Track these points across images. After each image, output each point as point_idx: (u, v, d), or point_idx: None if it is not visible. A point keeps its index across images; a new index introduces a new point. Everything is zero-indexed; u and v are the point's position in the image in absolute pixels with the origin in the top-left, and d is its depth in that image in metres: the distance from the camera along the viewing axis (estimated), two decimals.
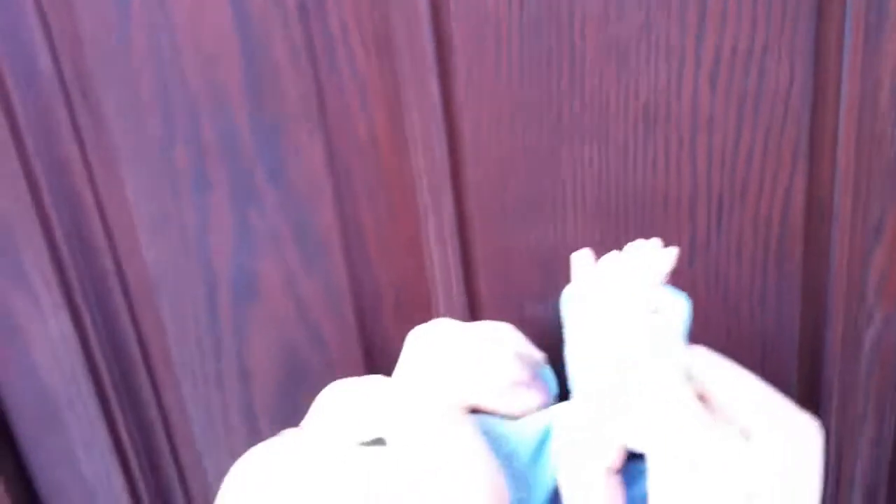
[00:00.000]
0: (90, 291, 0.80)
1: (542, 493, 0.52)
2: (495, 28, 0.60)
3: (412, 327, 0.74)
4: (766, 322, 0.64)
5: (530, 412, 0.56)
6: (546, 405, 0.56)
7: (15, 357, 0.85)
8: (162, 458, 0.88)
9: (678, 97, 0.59)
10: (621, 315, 0.53)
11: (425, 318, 0.74)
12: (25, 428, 0.90)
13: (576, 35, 0.59)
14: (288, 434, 0.53)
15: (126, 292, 0.80)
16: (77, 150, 0.74)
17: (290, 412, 0.80)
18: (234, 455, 0.83)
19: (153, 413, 0.86)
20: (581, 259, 0.59)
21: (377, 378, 0.59)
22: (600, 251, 0.65)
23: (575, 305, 0.56)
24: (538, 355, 0.58)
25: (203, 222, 0.73)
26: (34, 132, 0.74)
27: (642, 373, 0.48)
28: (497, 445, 0.52)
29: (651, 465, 0.45)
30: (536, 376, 0.58)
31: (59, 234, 0.77)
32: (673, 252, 0.56)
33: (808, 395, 0.67)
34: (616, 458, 0.48)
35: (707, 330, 0.65)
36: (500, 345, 0.57)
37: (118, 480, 0.89)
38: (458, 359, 0.56)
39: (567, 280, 0.66)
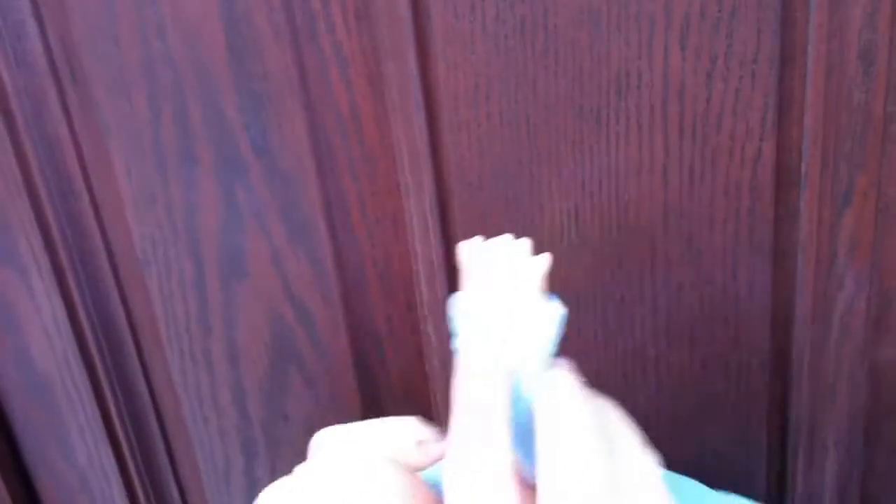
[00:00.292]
0: (81, 272, 0.81)
1: None
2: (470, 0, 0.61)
3: (396, 302, 0.75)
4: (739, 289, 0.65)
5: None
6: None
7: (8, 341, 0.86)
8: (152, 439, 0.89)
9: (649, 65, 0.60)
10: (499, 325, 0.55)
11: (408, 292, 0.75)
12: (19, 411, 0.91)
13: (549, 3, 0.60)
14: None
15: (116, 272, 0.81)
16: (66, 129, 0.75)
17: (278, 389, 0.81)
18: (224, 433, 0.84)
19: (144, 395, 0.87)
20: (466, 252, 0.60)
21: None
22: (575, 222, 0.66)
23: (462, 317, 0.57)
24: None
25: (190, 199, 0.74)
26: (24, 112, 0.75)
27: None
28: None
29: None
30: None
31: (49, 214, 0.79)
32: (545, 259, 0.57)
33: (780, 362, 0.68)
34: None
35: (680, 298, 0.66)
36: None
37: (109, 462, 0.90)
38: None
39: (543, 251, 0.67)
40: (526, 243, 0.58)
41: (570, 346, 0.69)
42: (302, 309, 0.77)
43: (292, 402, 0.79)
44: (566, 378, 0.52)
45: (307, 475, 0.56)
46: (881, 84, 0.58)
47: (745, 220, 0.63)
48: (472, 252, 0.58)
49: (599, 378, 0.70)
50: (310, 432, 0.65)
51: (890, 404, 0.69)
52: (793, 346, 0.66)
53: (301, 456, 0.63)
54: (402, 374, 0.76)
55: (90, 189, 0.78)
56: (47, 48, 0.73)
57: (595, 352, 0.70)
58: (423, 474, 0.56)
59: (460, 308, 0.57)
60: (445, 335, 0.71)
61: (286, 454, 0.82)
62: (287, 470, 0.58)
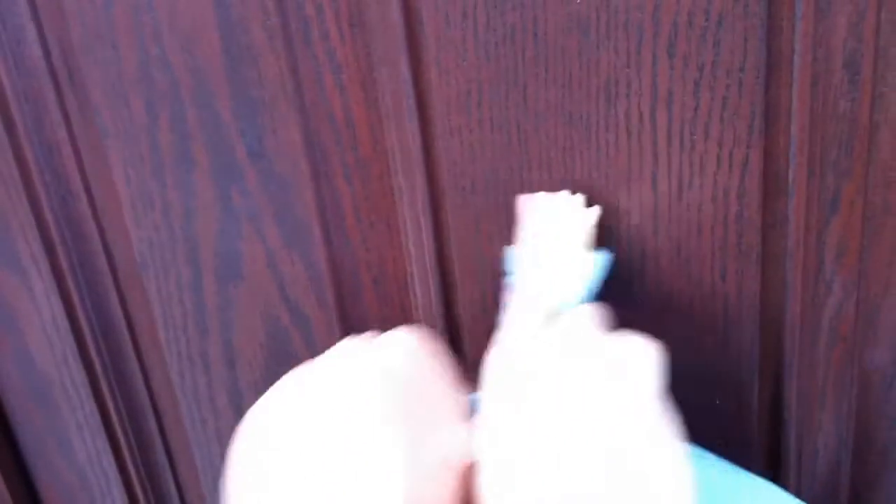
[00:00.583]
0: (80, 274, 0.82)
1: None
2: (462, 7, 0.62)
3: (390, 305, 0.76)
4: (728, 294, 0.65)
5: None
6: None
7: (7, 341, 0.87)
8: (151, 439, 0.90)
9: (637, 72, 0.60)
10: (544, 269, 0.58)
11: (403, 295, 0.75)
12: (18, 411, 0.92)
13: (538, 11, 0.61)
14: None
15: (114, 274, 0.82)
16: (65, 132, 0.76)
17: None
18: (221, 435, 0.85)
19: (142, 395, 0.87)
20: (523, 205, 0.62)
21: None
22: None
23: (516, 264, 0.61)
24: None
25: (187, 203, 0.75)
26: (24, 116, 0.76)
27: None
28: None
29: None
30: None
31: (49, 216, 0.79)
32: (593, 213, 0.62)
33: (770, 366, 0.68)
34: None
35: (670, 303, 0.67)
36: None
37: (109, 461, 0.91)
38: None
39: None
40: (579, 198, 0.62)
41: None
42: (297, 311, 0.78)
43: None
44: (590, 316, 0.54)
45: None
46: (866, 93, 0.59)
47: (733, 227, 0.63)
48: (528, 205, 0.62)
49: None
50: None
51: (879, 407, 0.69)
52: (783, 350, 0.67)
53: None
54: None
55: (89, 192, 0.78)
56: (46, 53, 0.73)
57: None
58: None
59: (513, 257, 0.61)
60: (439, 336, 0.72)
61: None
62: None
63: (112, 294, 0.83)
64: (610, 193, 0.65)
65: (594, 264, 0.60)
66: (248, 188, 0.73)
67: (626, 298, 0.68)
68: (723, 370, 0.68)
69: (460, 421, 0.53)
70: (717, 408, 0.70)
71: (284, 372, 0.80)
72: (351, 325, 0.77)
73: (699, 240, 0.64)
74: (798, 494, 0.64)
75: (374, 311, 0.77)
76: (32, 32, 0.73)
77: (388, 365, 0.52)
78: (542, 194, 0.63)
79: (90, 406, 0.89)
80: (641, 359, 0.51)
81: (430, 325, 0.74)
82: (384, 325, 0.77)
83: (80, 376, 0.87)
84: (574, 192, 0.66)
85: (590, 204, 0.65)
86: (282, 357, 0.80)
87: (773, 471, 0.72)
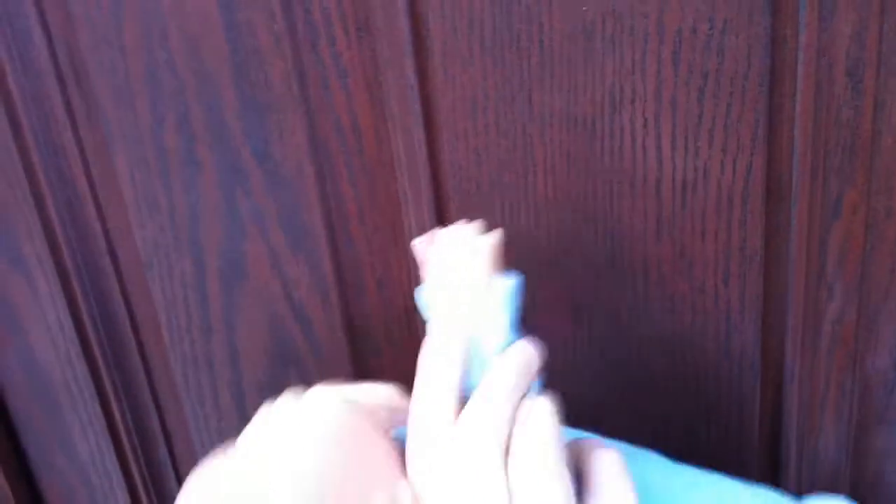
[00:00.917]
0: (84, 275, 0.82)
1: None
2: (468, 12, 0.62)
3: (394, 309, 0.76)
4: (731, 300, 0.66)
5: None
6: None
7: (12, 341, 0.87)
8: (154, 438, 0.90)
9: (642, 79, 0.61)
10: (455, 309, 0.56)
11: (406, 297, 0.76)
12: (22, 410, 0.92)
13: (544, 18, 0.61)
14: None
15: (119, 275, 0.82)
16: (71, 134, 0.76)
17: (278, 391, 0.82)
18: (225, 435, 0.85)
19: (146, 395, 0.88)
20: (419, 247, 0.61)
21: None
22: (570, 232, 0.67)
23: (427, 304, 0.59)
24: None
25: (193, 204, 0.75)
26: (31, 118, 0.76)
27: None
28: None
29: None
30: None
31: (54, 218, 0.80)
32: (491, 238, 0.58)
33: (772, 370, 0.69)
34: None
35: (673, 308, 0.67)
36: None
37: (111, 460, 0.91)
38: None
39: (539, 260, 0.69)
40: (472, 227, 0.60)
41: (562, 355, 0.71)
42: (301, 313, 0.78)
43: None
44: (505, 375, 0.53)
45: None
46: (869, 101, 0.59)
47: (736, 232, 0.64)
48: (423, 246, 0.60)
49: (591, 386, 0.71)
50: None
51: (880, 412, 0.70)
52: (784, 354, 0.67)
53: None
54: (399, 378, 0.77)
55: (94, 193, 0.79)
56: (53, 55, 0.74)
57: (587, 360, 0.71)
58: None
59: (421, 299, 0.59)
60: None
61: None
62: None
63: (116, 294, 0.84)
64: (613, 199, 0.65)
65: (506, 292, 0.57)
66: (254, 191, 0.74)
67: (627, 302, 0.69)
68: (724, 374, 0.69)
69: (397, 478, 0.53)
70: (717, 411, 0.70)
71: (287, 372, 0.81)
72: (354, 326, 0.78)
73: (702, 245, 0.64)
74: (798, 499, 0.65)
75: (378, 314, 0.77)
76: (39, 35, 0.73)
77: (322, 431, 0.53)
78: (439, 231, 0.62)
79: (93, 406, 0.89)
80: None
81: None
82: (387, 327, 0.78)
83: (83, 376, 0.88)
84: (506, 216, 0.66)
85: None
86: (285, 358, 0.81)
87: (773, 475, 0.72)
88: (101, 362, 0.87)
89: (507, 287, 0.57)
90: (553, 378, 0.72)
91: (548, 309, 0.71)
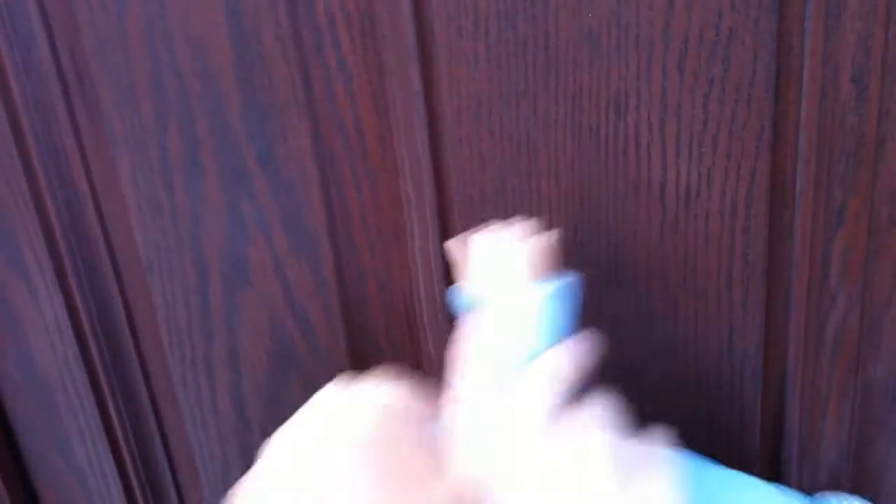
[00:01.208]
0: (84, 277, 0.82)
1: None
2: (473, 18, 0.62)
3: (395, 312, 0.76)
4: (734, 305, 0.66)
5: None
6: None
7: (10, 342, 0.87)
8: (152, 442, 0.90)
9: (648, 85, 0.61)
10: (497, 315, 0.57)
11: (408, 302, 0.76)
12: (19, 412, 0.92)
13: (550, 23, 0.61)
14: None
15: (119, 278, 0.82)
16: (73, 137, 0.76)
17: (278, 396, 0.82)
18: (223, 439, 0.85)
19: (144, 398, 0.88)
20: (457, 247, 0.62)
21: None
22: (574, 236, 0.67)
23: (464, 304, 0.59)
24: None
25: (195, 208, 0.75)
26: (32, 120, 0.76)
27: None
28: None
29: None
30: None
31: (54, 220, 0.79)
32: (535, 241, 0.59)
33: (774, 376, 0.69)
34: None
35: (676, 313, 0.67)
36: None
37: (109, 464, 0.91)
38: None
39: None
40: (519, 228, 0.60)
41: None
42: (302, 317, 0.78)
43: (291, 408, 0.80)
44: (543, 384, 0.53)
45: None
46: (873, 108, 0.59)
47: (739, 238, 0.64)
48: (459, 247, 0.60)
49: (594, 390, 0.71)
50: None
51: (880, 418, 0.70)
52: (786, 360, 0.68)
53: None
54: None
55: (95, 196, 0.79)
56: (56, 57, 0.74)
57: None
58: None
59: (458, 298, 0.59)
60: (443, 345, 0.73)
61: None
62: None
63: (115, 297, 0.83)
64: (617, 204, 0.65)
65: (554, 295, 0.57)
66: (257, 194, 0.74)
67: (631, 307, 0.69)
68: (726, 379, 0.69)
69: (434, 478, 0.53)
70: (719, 416, 0.70)
71: (288, 377, 0.80)
72: (355, 330, 0.78)
73: (706, 250, 0.65)
74: (811, 499, 0.65)
75: (379, 318, 0.77)
76: (42, 38, 0.73)
77: (360, 435, 0.53)
78: (491, 228, 0.62)
79: (91, 409, 0.89)
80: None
81: (435, 333, 0.75)
82: (388, 332, 0.78)
83: (81, 379, 0.87)
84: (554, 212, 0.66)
85: (590, 219, 0.66)
86: (286, 362, 0.81)
87: (775, 479, 0.72)
88: (99, 364, 0.87)
89: (549, 290, 0.57)
90: None
91: None
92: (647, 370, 0.70)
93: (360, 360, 0.79)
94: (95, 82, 0.73)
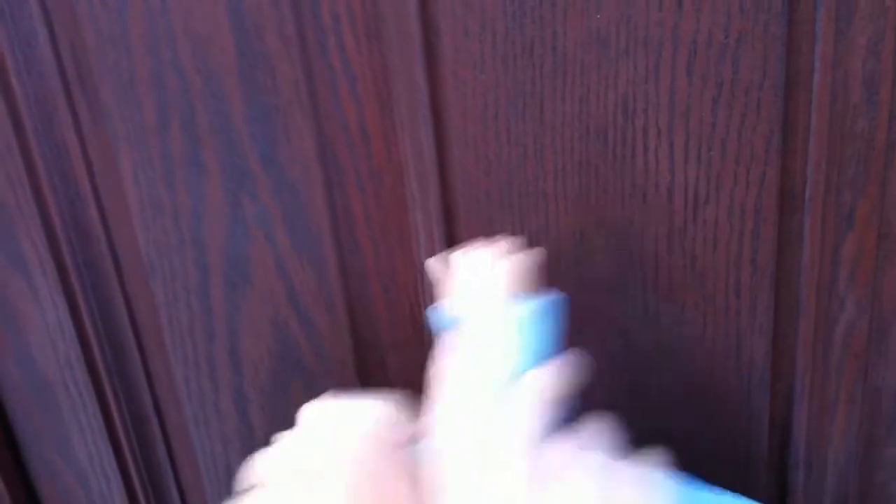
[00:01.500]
0: (86, 276, 0.81)
1: None
2: (480, 19, 0.62)
3: (399, 314, 0.75)
4: (742, 310, 0.66)
5: None
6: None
7: (11, 342, 0.86)
8: (153, 442, 0.89)
9: (656, 88, 0.61)
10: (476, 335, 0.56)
11: (412, 303, 0.75)
12: (20, 412, 0.91)
13: (558, 25, 0.61)
14: None
15: (121, 277, 0.81)
16: (75, 135, 0.76)
17: (280, 396, 0.82)
18: (225, 439, 0.84)
19: (146, 398, 0.87)
20: (436, 265, 0.61)
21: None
22: (580, 240, 0.67)
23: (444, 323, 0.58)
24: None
25: (197, 208, 0.75)
26: (33, 118, 0.75)
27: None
28: None
29: None
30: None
31: (56, 219, 0.79)
32: (518, 258, 0.58)
33: (782, 382, 0.68)
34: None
35: (683, 318, 0.67)
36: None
37: (110, 464, 0.90)
38: None
39: (548, 268, 0.68)
40: (501, 244, 0.59)
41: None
42: (305, 318, 0.78)
43: (293, 409, 0.79)
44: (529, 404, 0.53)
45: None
46: (884, 112, 0.59)
47: (748, 243, 0.63)
48: (440, 265, 0.59)
49: (601, 396, 0.71)
50: None
51: (889, 423, 0.69)
52: (795, 365, 0.67)
53: None
54: (404, 384, 0.77)
55: (97, 195, 0.78)
56: (57, 55, 0.73)
57: (597, 369, 0.71)
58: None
59: (437, 317, 0.58)
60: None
61: None
62: None
63: (117, 296, 0.83)
64: (624, 208, 0.65)
65: (536, 314, 0.56)
66: (260, 194, 0.73)
67: (637, 311, 0.68)
68: (733, 384, 0.68)
69: None
70: (726, 421, 0.70)
71: (291, 378, 0.80)
72: (359, 332, 0.77)
73: (714, 255, 0.64)
74: None
75: (383, 319, 0.77)
76: (44, 35, 0.72)
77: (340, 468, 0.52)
78: (473, 246, 0.61)
79: (93, 408, 0.88)
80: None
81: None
82: (392, 333, 0.77)
83: (82, 378, 0.87)
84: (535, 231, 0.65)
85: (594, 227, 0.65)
86: (289, 363, 0.80)
87: (782, 485, 0.72)
88: (100, 364, 0.86)
89: (531, 309, 0.56)
90: None
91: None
92: (653, 376, 0.69)
93: (363, 362, 0.78)
94: (97, 80, 0.73)
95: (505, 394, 0.52)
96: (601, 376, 0.71)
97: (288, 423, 0.81)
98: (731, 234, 0.63)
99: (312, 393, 0.77)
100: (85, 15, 0.70)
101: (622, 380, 0.70)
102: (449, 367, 0.54)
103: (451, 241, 0.70)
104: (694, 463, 0.70)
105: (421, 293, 0.74)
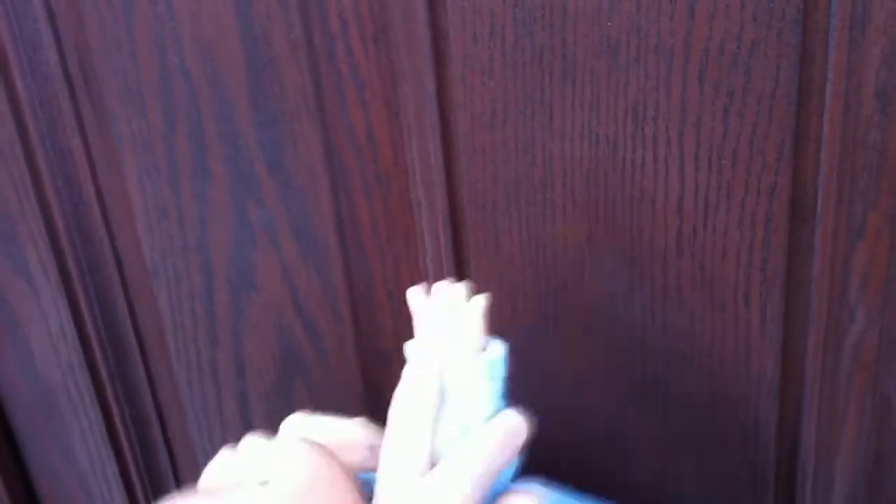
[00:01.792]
0: (89, 281, 0.81)
1: None
2: (489, 25, 0.61)
3: (405, 321, 0.75)
4: (751, 320, 0.65)
5: None
6: None
7: (13, 346, 0.86)
8: (155, 447, 0.89)
9: (667, 96, 0.60)
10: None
11: None
12: (22, 416, 0.91)
13: (568, 32, 0.60)
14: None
15: (124, 282, 0.81)
16: (79, 140, 0.75)
17: (284, 403, 0.81)
18: (228, 445, 0.84)
19: (148, 403, 0.87)
20: (413, 299, 0.60)
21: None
22: (589, 248, 0.66)
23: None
24: None
25: (202, 213, 0.74)
26: (37, 120, 0.75)
27: None
28: None
29: None
30: None
31: (59, 222, 0.79)
32: (479, 303, 0.56)
33: (791, 391, 0.68)
34: None
35: (692, 327, 0.66)
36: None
37: (112, 469, 0.90)
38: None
39: (556, 276, 0.68)
40: (464, 287, 0.58)
41: (579, 371, 0.70)
42: (310, 324, 0.77)
43: None
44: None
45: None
46: None
47: (758, 252, 0.63)
48: (417, 300, 0.59)
49: (607, 403, 0.71)
50: None
51: None
52: (804, 375, 0.67)
53: None
54: None
55: (101, 199, 0.78)
56: (62, 58, 0.73)
57: (604, 377, 0.70)
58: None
59: (408, 355, 0.57)
60: None
61: None
62: None
63: (121, 301, 0.83)
64: (633, 216, 0.64)
65: (493, 359, 0.55)
66: (266, 200, 0.73)
67: (646, 320, 0.68)
68: (742, 394, 0.68)
69: None
70: (735, 431, 0.69)
71: (294, 383, 0.80)
72: (364, 338, 0.77)
73: (723, 264, 0.64)
74: None
75: (389, 326, 0.76)
76: (49, 38, 0.72)
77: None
78: (427, 287, 0.61)
79: (95, 413, 0.88)
80: None
81: None
82: (397, 340, 0.77)
83: (85, 383, 0.87)
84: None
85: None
86: (292, 369, 0.80)
87: (790, 496, 0.71)
88: (103, 369, 0.86)
89: (494, 355, 0.56)
90: (566, 393, 0.71)
91: (563, 326, 0.70)
92: (661, 385, 0.69)
93: (368, 369, 0.78)
94: (102, 83, 0.72)
95: (458, 445, 0.52)
96: (608, 383, 0.71)
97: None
98: (741, 242, 0.63)
99: (316, 399, 0.77)
100: (90, 17, 0.70)
101: (630, 388, 0.70)
102: (405, 409, 0.54)
103: (458, 247, 0.70)
104: (701, 472, 0.70)
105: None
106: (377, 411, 0.78)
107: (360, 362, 0.78)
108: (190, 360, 0.82)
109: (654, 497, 0.74)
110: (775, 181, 0.61)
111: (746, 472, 0.71)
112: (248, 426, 0.84)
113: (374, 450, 0.56)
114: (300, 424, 0.58)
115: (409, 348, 0.58)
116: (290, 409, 0.80)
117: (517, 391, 0.57)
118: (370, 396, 0.79)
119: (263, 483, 0.51)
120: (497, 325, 0.68)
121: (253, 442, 0.56)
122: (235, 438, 0.84)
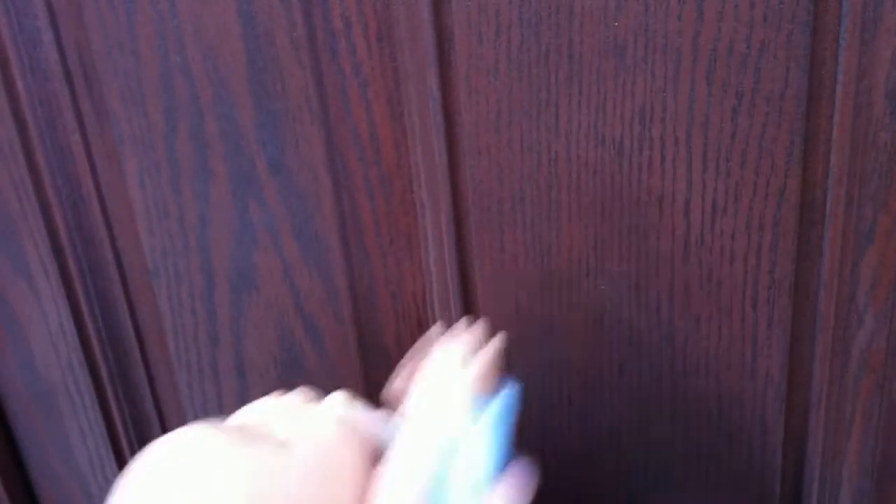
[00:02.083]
0: (89, 281, 0.80)
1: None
2: (495, 25, 0.61)
3: (407, 322, 0.74)
4: (759, 323, 0.65)
5: None
6: None
7: (13, 346, 0.85)
8: None
9: (674, 97, 0.59)
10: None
11: (420, 311, 0.74)
12: (21, 416, 0.91)
13: (574, 33, 0.59)
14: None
15: (124, 282, 0.81)
16: (79, 138, 0.75)
17: None
18: None
19: (148, 403, 0.86)
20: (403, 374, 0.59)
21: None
22: (594, 250, 0.66)
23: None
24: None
25: (203, 213, 0.74)
26: (37, 119, 0.74)
27: None
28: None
29: None
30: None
31: (59, 222, 0.78)
32: (479, 362, 0.56)
33: (798, 395, 0.67)
34: None
35: (699, 330, 0.66)
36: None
37: (112, 469, 0.90)
38: None
39: (562, 278, 0.67)
40: (459, 346, 0.58)
41: (587, 374, 0.70)
42: (312, 325, 0.77)
43: None
44: None
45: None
46: None
47: (766, 255, 0.62)
48: (406, 377, 0.59)
49: (613, 407, 0.70)
50: None
51: None
52: (811, 379, 0.66)
53: None
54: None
55: (101, 198, 0.77)
56: (63, 57, 0.72)
57: (609, 380, 0.70)
58: None
59: (398, 424, 0.56)
60: None
61: None
62: None
63: (121, 301, 0.82)
64: (640, 218, 0.64)
65: (493, 418, 0.54)
66: (267, 200, 0.72)
67: (652, 323, 0.67)
68: (749, 397, 0.67)
69: None
70: (741, 434, 0.69)
71: (295, 385, 0.79)
72: (366, 339, 0.76)
73: (731, 267, 0.63)
74: None
75: (391, 327, 0.75)
76: (49, 36, 0.71)
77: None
78: (432, 334, 0.59)
79: (94, 413, 0.88)
80: None
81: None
82: (399, 342, 0.76)
83: (85, 383, 0.86)
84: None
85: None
86: (294, 370, 0.79)
87: (797, 499, 0.71)
88: (103, 370, 0.85)
89: (493, 413, 0.54)
90: (572, 397, 0.71)
91: (568, 328, 0.69)
92: (667, 388, 0.68)
93: (370, 370, 0.78)
94: (103, 82, 0.72)
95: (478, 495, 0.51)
96: (613, 385, 0.70)
97: None
98: (749, 245, 0.62)
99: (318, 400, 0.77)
100: (91, 15, 0.69)
101: (637, 390, 0.69)
102: (403, 475, 0.53)
103: (462, 249, 0.70)
104: (708, 475, 0.70)
105: (430, 302, 0.73)
106: None
107: (362, 364, 0.77)
108: (190, 361, 0.82)
109: (660, 500, 0.73)
110: (784, 183, 0.60)
111: (753, 476, 0.70)
112: None
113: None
114: (342, 402, 0.57)
115: (399, 423, 0.56)
116: None
117: (521, 402, 0.57)
118: (371, 399, 0.78)
119: (282, 444, 0.51)
120: (500, 326, 0.68)
121: (296, 399, 0.57)
122: None
